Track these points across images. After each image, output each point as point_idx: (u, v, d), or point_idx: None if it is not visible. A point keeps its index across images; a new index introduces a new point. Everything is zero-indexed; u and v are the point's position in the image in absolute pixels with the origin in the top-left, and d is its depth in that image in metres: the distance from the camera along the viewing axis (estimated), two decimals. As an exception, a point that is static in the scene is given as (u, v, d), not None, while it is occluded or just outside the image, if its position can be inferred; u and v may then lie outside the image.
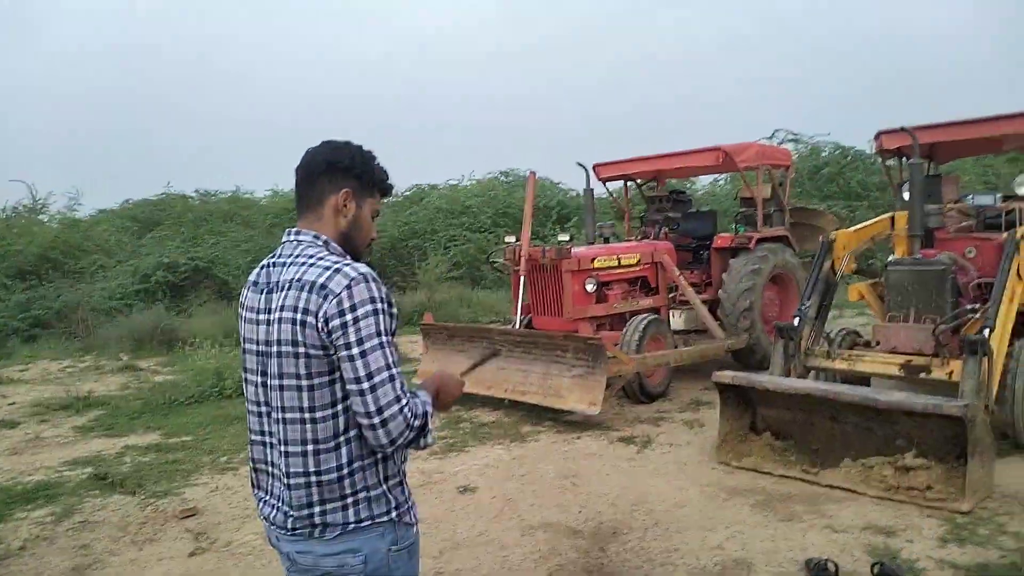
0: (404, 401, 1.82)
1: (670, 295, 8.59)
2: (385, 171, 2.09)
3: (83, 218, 23.01)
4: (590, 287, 7.71)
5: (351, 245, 2.03)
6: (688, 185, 20.98)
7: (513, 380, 7.18)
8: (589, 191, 9.39)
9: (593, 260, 7.82)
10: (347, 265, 1.86)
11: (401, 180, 25.76)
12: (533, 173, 8.53)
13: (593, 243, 9.08)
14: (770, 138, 20.44)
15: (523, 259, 7.74)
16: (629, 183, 9.99)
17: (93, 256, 18.35)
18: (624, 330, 7.46)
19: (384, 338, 1.82)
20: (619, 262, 8.08)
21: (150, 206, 24.46)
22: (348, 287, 1.80)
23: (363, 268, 1.86)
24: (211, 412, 8.05)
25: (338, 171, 1.98)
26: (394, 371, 1.83)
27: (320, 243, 1.96)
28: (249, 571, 4.29)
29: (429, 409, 1.92)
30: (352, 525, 1.89)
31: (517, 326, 7.78)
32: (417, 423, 1.85)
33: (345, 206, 1.99)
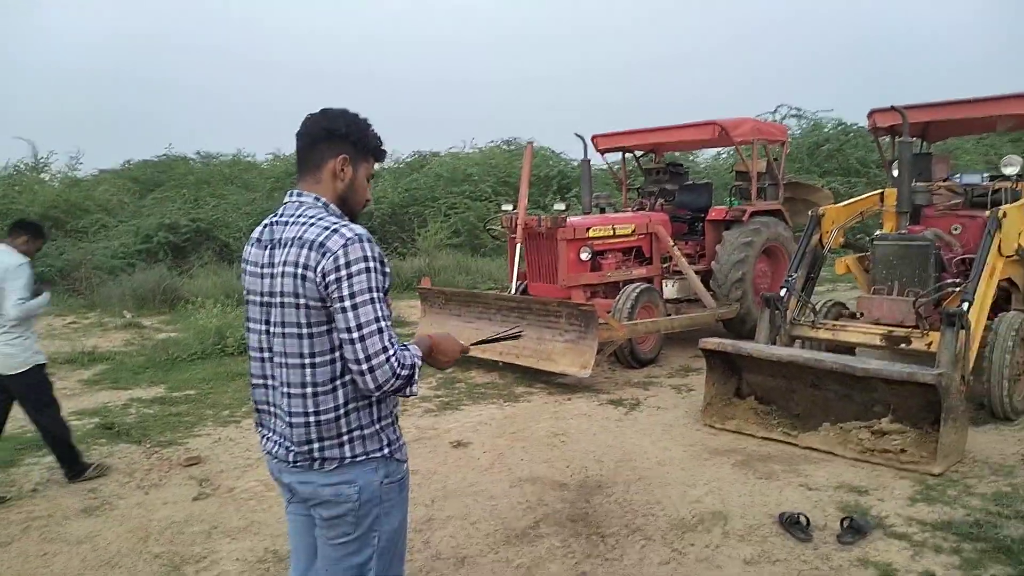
0: (391, 351, 1.98)
1: (664, 265, 8.76)
2: (379, 137, 2.22)
3: (84, 178, 23.09)
4: (585, 256, 7.88)
5: (347, 206, 2.19)
6: (691, 158, 21.06)
7: (507, 343, 7.37)
8: (586, 162, 9.52)
9: (588, 229, 7.98)
10: (344, 226, 2.02)
11: (403, 146, 25.88)
12: (531, 143, 8.67)
13: (589, 213, 9.23)
14: (773, 113, 20.52)
15: (519, 227, 7.90)
16: (627, 155, 10.12)
17: (95, 216, 18.45)
18: (617, 298, 7.64)
19: (375, 294, 1.98)
20: (614, 232, 8.25)
21: (151, 167, 24.54)
22: (344, 246, 1.96)
23: (359, 229, 2.02)
24: (213, 368, 8.26)
25: (336, 137, 2.13)
26: (383, 323, 1.99)
27: (320, 204, 2.12)
28: (250, 515, 4.50)
29: (417, 362, 2.07)
30: (348, 459, 2.08)
31: (513, 292, 7.96)
32: (404, 372, 2.00)
33: (342, 170, 2.15)
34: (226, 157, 26.00)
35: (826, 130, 20.70)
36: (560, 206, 8.79)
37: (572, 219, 8.06)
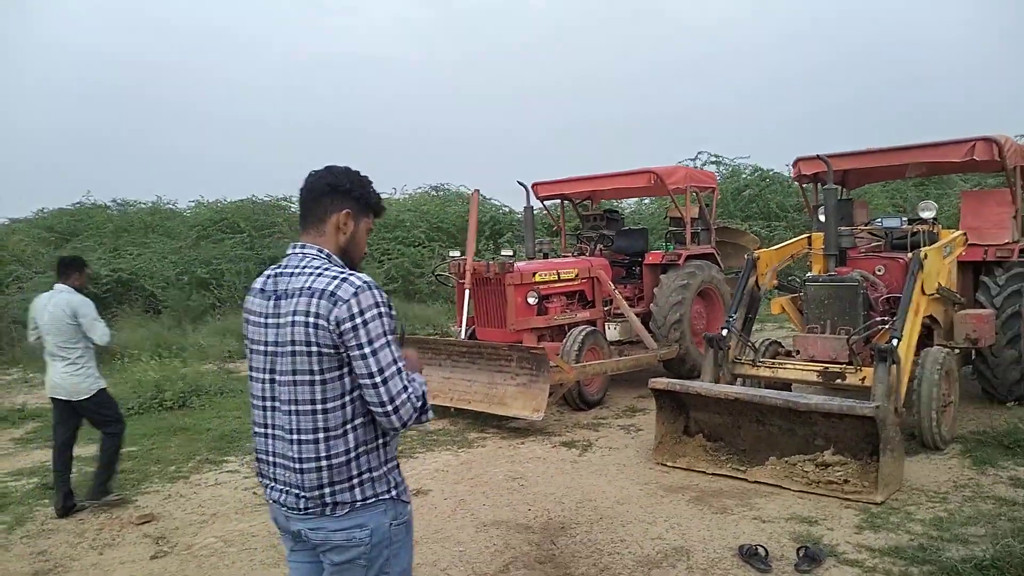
0: (410, 389, 2.11)
1: (605, 308, 9.01)
2: (378, 195, 2.36)
3: (-4, 227, 22.16)
4: (532, 300, 8.06)
5: (348, 259, 2.29)
6: (614, 204, 21.69)
7: (458, 389, 7.45)
8: (529, 208, 9.76)
9: (535, 274, 8.18)
10: (352, 275, 2.12)
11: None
12: (477, 191, 8.84)
13: (534, 258, 9.44)
14: (694, 159, 21.36)
15: (468, 272, 8.03)
16: (565, 202, 10.42)
17: (9, 267, 17.72)
18: (564, 341, 7.82)
19: (388, 337, 2.10)
20: (559, 276, 8.47)
21: (67, 216, 23.72)
22: (355, 294, 2.06)
23: (365, 277, 2.13)
24: (153, 424, 8.02)
25: (339, 193, 2.24)
26: (399, 364, 2.11)
27: (324, 256, 2.22)
28: (212, 571, 4.42)
29: (425, 388, 2.20)
30: (359, 503, 2.15)
31: (462, 337, 8.05)
32: (419, 404, 2.13)
33: (345, 224, 2.26)
34: (145, 205, 25.38)
35: (744, 176, 21.66)
36: (507, 252, 8.98)
37: (519, 264, 8.24)
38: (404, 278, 17.63)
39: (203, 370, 10.68)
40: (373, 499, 2.17)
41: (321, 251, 2.22)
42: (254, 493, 5.76)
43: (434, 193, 25.51)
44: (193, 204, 24.90)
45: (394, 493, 2.23)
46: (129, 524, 5.20)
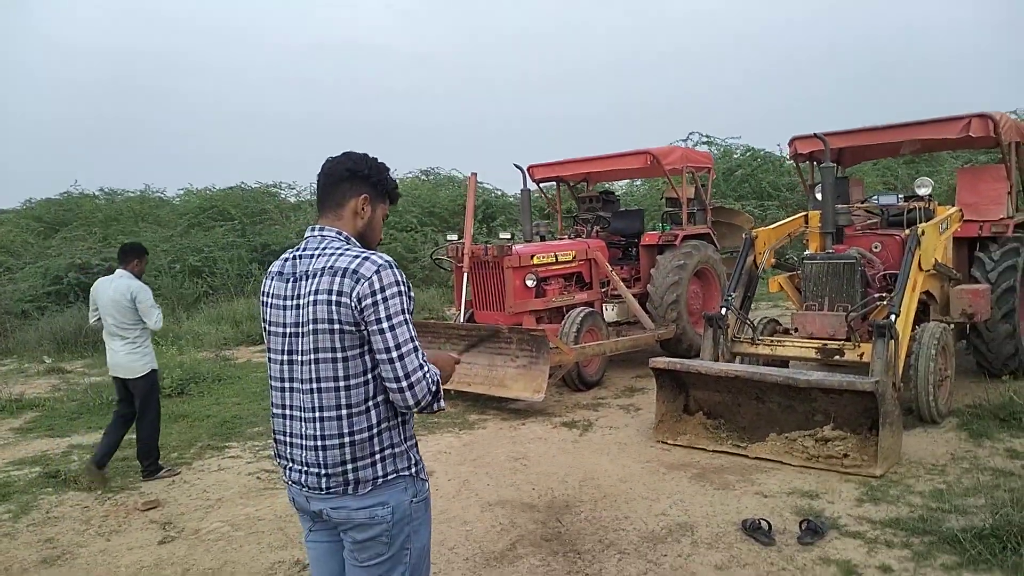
0: (426, 368, 2.13)
1: (603, 289, 9.04)
2: (395, 182, 2.40)
3: (-17, 217, 22.03)
4: (530, 282, 8.08)
5: (365, 243, 2.31)
6: (607, 186, 21.72)
7: (458, 371, 7.45)
8: (526, 191, 9.76)
9: (533, 257, 8.19)
10: (373, 254, 2.15)
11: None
12: (474, 175, 8.82)
13: (531, 241, 9.45)
14: (685, 140, 21.36)
15: (466, 256, 8.03)
16: (561, 184, 10.42)
17: (-2, 257, 17.64)
18: (563, 322, 7.85)
19: (407, 315, 2.12)
20: (556, 259, 8.48)
21: (55, 205, 23.60)
22: (377, 272, 2.08)
23: (386, 256, 2.16)
24: (153, 411, 8.00)
25: (358, 178, 2.28)
26: (416, 343, 2.13)
27: (342, 238, 2.24)
28: (221, 555, 4.44)
29: (439, 378, 2.21)
30: (380, 479, 2.17)
31: (461, 320, 8.06)
32: (434, 387, 2.15)
33: (363, 209, 2.29)
34: (133, 194, 25.23)
35: (736, 156, 21.69)
36: (505, 235, 8.98)
37: (517, 247, 8.25)
38: (398, 262, 17.58)
39: (199, 358, 10.67)
40: (394, 475, 2.19)
41: (340, 233, 2.25)
42: (258, 478, 5.78)
43: (425, 178, 25.44)
44: (182, 192, 24.82)
45: (414, 470, 2.25)
46: (135, 510, 5.22)
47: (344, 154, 2.31)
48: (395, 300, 2.08)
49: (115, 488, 5.69)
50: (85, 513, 5.21)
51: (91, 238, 19.12)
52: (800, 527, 4.32)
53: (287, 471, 2.29)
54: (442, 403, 2.21)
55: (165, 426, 7.39)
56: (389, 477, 2.18)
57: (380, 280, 2.07)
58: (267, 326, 2.29)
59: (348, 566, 2.28)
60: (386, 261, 2.12)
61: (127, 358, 5.92)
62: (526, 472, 5.61)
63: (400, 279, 2.12)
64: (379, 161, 2.34)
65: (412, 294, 2.19)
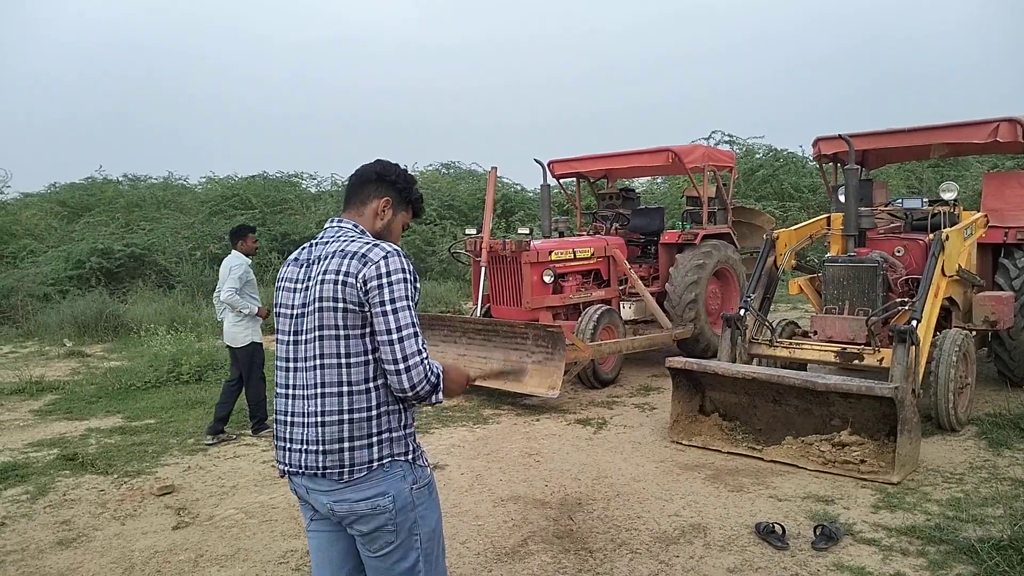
0: (425, 354, 2.17)
1: (621, 287, 9.00)
2: (421, 196, 2.51)
3: (9, 201, 22.28)
4: (548, 278, 8.05)
5: None
6: (628, 183, 21.65)
7: (474, 366, 7.46)
8: (546, 187, 9.73)
9: (551, 253, 8.17)
10: (384, 243, 2.22)
11: (341, 170, 25.80)
12: (495, 169, 8.80)
13: (550, 237, 9.43)
14: (707, 139, 21.22)
15: (484, 251, 8.02)
16: (581, 180, 10.38)
17: (23, 241, 17.83)
18: (579, 319, 7.83)
19: (410, 302, 2.17)
20: (574, 255, 8.45)
21: (79, 190, 23.87)
22: (385, 258, 2.15)
23: (396, 246, 2.23)
24: (171, 397, 8.10)
25: (385, 182, 2.39)
26: (417, 329, 2.17)
27: (359, 231, 2.32)
28: (235, 542, 4.47)
29: (441, 373, 2.23)
30: (376, 463, 2.18)
31: (478, 314, 8.06)
32: (433, 378, 2.18)
33: (384, 211, 2.39)
34: (156, 180, 25.47)
35: (758, 156, 21.51)
36: (524, 230, 8.97)
37: (535, 243, 8.22)
38: (416, 256, 17.66)
39: (217, 344, 10.73)
40: (389, 459, 2.20)
41: (356, 226, 2.33)
42: (272, 466, 5.81)
43: (445, 171, 25.46)
44: (204, 180, 25.00)
45: (411, 456, 2.27)
46: (150, 495, 5.26)
47: (376, 160, 2.43)
48: (400, 286, 2.13)
49: (131, 472, 5.74)
50: (101, 496, 5.26)
51: (114, 223, 19.34)
52: (814, 532, 4.28)
53: (286, 452, 2.28)
54: (440, 396, 2.23)
55: (183, 412, 7.55)
56: (384, 461, 2.19)
57: (387, 265, 2.13)
58: (278, 308, 2.35)
59: (365, 562, 2.30)
60: (395, 249, 2.19)
61: (232, 329, 6.59)
62: (539, 468, 5.60)
63: (407, 267, 2.17)
64: (409, 173, 2.45)
65: (418, 285, 2.24)
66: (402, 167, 2.43)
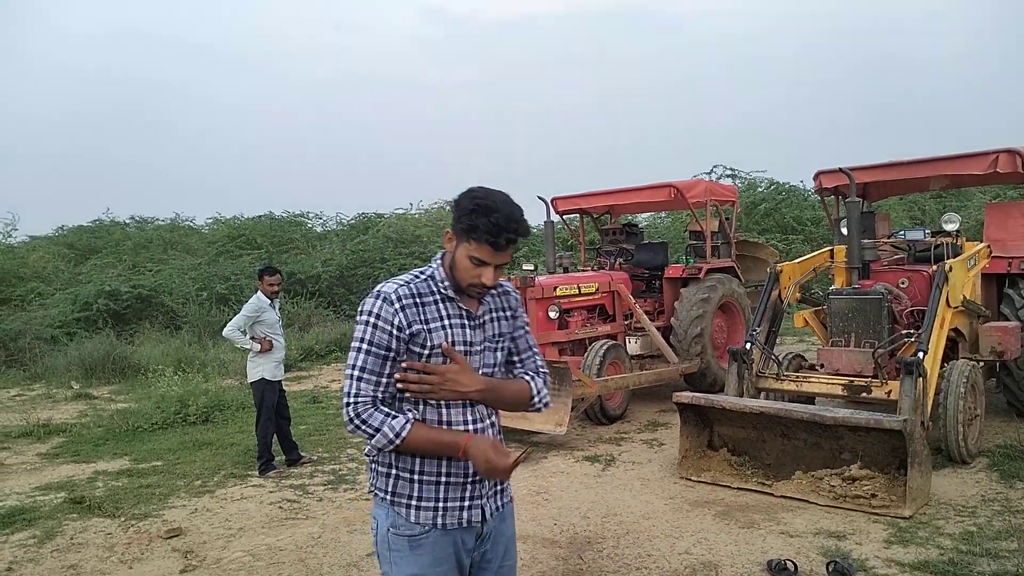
0: (350, 400, 2.09)
1: (626, 322, 9.01)
2: (481, 224, 2.05)
3: (17, 245, 22.47)
4: (553, 314, 8.07)
5: (452, 277, 2.21)
6: (631, 218, 21.74)
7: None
8: (550, 223, 9.79)
9: (556, 288, 8.19)
10: (390, 281, 2.17)
11: (346, 208, 25.96)
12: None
13: (554, 272, 9.46)
14: (709, 173, 21.37)
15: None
16: (584, 216, 10.45)
17: (31, 284, 17.94)
18: (585, 355, 7.82)
19: (361, 344, 2.10)
20: (579, 290, 8.48)
21: (86, 233, 24.07)
22: (365, 298, 2.17)
23: (388, 286, 2.13)
24: (177, 438, 8.08)
25: (456, 210, 2.14)
26: (355, 372, 2.10)
27: (438, 258, 2.25)
28: (242, 585, 4.44)
29: (389, 433, 2.07)
30: (370, 487, 2.27)
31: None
32: (364, 428, 2.07)
33: (449, 242, 2.19)
34: (163, 222, 25.68)
35: (760, 190, 21.62)
36: (528, 266, 9.01)
37: (540, 278, 8.26)
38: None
39: (225, 385, 10.76)
40: (372, 491, 2.26)
41: (437, 257, 2.26)
42: (280, 508, 5.79)
43: (449, 209, 25.58)
44: (211, 221, 25.18)
45: (390, 498, 2.18)
46: (157, 538, 5.23)
47: (469, 188, 2.17)
48: (359, 327, 2.13)
49: (138, 515, 5.71)
50: (108, 540, 5.24)
51: (121, 265, 19.47)
52: (827, 568, 4.24)
53: None
54: (376, 444, 2.09)
55: (190, 453, 7.52)
56: (374, 490, 2.25)
57: (362, 304, 2.15)
58: None
59: None
60: (377, 290, 2.14)
61: (247, 366, 6.87)
62: (548, 506, 5.57)
63: (368, 308, 2.10)
64: (476, 200, 2.07)
65: (379, 324, 2.08)
66: (471, 195, 2.09)
